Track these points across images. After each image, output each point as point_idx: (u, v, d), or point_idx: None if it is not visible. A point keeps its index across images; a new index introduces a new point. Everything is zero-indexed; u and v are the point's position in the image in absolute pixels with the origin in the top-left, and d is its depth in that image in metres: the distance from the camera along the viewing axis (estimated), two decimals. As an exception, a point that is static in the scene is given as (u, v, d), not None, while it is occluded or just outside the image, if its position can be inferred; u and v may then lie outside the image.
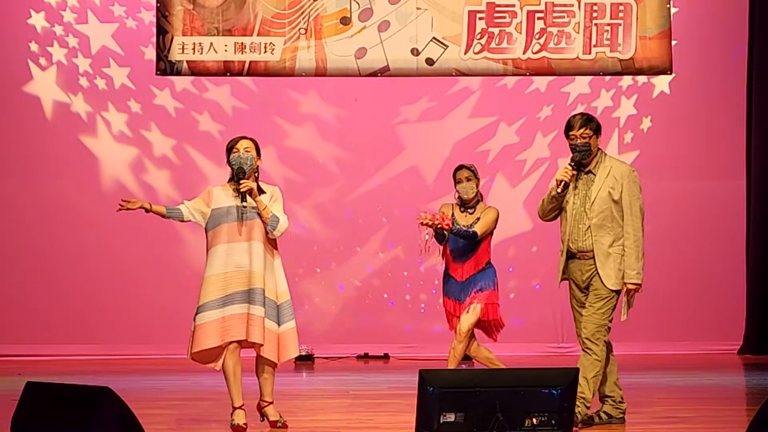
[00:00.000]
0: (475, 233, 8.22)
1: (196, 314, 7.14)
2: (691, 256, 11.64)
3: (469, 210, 8.35)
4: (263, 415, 7.32)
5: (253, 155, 7.22)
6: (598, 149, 7.22)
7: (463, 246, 8.29)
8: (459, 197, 8.36)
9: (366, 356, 11.36)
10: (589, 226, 7.13)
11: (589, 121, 7.18)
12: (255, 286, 7.13)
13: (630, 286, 7.14)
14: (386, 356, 11.34)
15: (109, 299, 11.46)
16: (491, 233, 8.39)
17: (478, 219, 8.28)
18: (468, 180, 8.31)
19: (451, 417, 5.34)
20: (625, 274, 7.13)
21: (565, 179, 7.11)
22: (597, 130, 7.19)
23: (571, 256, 7.22)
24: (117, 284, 11.47)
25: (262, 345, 7.13)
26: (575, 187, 7.18)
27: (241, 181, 7.11)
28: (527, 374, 6.00)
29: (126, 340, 11.44)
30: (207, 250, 7.23)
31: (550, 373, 5.71)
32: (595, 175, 7.17)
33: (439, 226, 8.08)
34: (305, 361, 11.01)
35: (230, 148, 7.25)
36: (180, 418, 7.61)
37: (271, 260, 7.25)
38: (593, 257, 7.14)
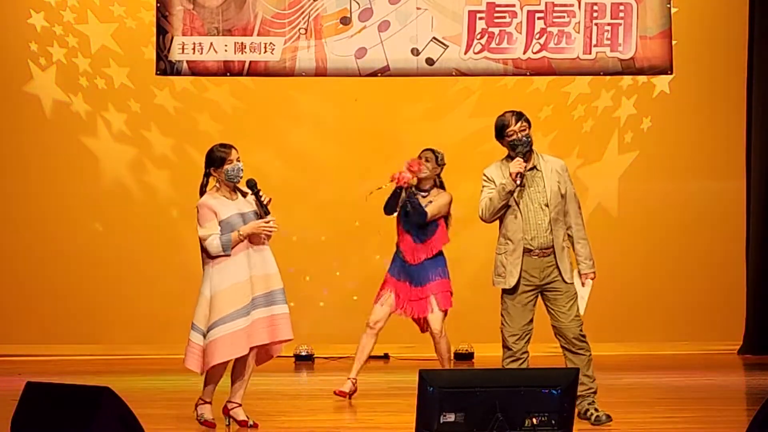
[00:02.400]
0: (425, 213, 8.29)
1: (220, 324, 7.11)
2: (691, 256, 11.63)
3: (422, 193, 8.48)
4: (231, 418, 7.32)
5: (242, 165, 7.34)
6: None
7: (416, 225, 8.38)
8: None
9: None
10: (549, 221, 7.16)
11: (521, 115, 7.26)
12: (276, 287, 7.29)
13: (592, 276, 7.24)
14: (386, 356, 11.33)
15: (109, 299, 11.45)
16: (445, 220, 8.47)
17: (431, 203, 8.42)
18: (427, 161, 8.42)
19: (451, 417, 5.34)
20: (585, 265, 7.23)
21: (521, 171, 7.13)
22: (529, 122, 7.29)
23: (525, 253, 7.20)
24: (117, 284, 11.46)
25: (290, 340, 7.36)
26: (522, 184, 7.19)
27: (262, 193, 7.29)
28: (527, 374, 6.01)
29: (126, 340, 11.43)
30: (213, 260, 7.23)
31: (550, 373, 5.72)
32: (540, 170, 7.24)
33: (398, 185, 8.28)
34: (305, 361, 11.02)
35: (222, 158, 7.28)
36: (180, 418, 7.61)
37: None
38: (552, 253, 7.16)
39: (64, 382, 5.30)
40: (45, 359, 11.09)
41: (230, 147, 7.35)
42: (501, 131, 7.22)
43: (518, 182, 7.12)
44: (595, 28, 10.91)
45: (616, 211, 11.73)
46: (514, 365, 7.15)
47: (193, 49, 10.77)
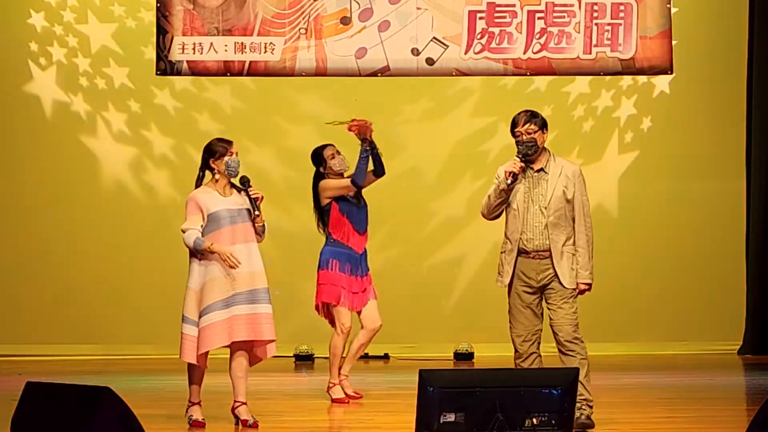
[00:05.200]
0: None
1: (203, 315, 7.23)
2: (691, 256, 11.63)
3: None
4: (237, 417, 7.41)
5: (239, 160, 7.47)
6: (546, 148, 7.26)
7: (363, 214, 8.53)
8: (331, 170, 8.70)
9: (366, 356, 11.32)
10: (546, 225, 7.14)
11: (533, 117, 7.22)
12: (259, 285, 7.34)
13: (582, 287, 7.17)
14: (386, 356, 11.33)
15: (110, 299, 11.45)
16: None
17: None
18: (338, 153, 8.80)
19: (451, 417, 5.34)
20: (578, 274, 7.15)
21: (515, 171, 7.12)
22: (542, 125, 7.23)
23: (521, 254, 7.20)
24: (117, 284, 11.46)
25: (274, 341, 7.37)
26: (526, 186, 7.18)
27: (252, 190, 7.37)
28: (527, 374, 6.01)
29: (126, 340, 11.43)
30: (199, 254, 7.29)
31: (550, 373, 5.72)
32: (547, 173, 7.19)
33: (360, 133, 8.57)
34: (305, 361, 11.01)
35: (220, 152, 7.43)
36: (179, 418, 7.61)
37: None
38: (550, 256, 7.15)
39: (64, 382, 5.30)
40: (45, 359, 11.09)
41: (230, 142, 7.55)
42: (511, 129, 7.24)
43: (509, 181, 7.12)
44: (595, 28, 10.91)
45: (616, 211, 11.73)
46: (524, 365, 7.12)
47: (193, 49, 10.77)
